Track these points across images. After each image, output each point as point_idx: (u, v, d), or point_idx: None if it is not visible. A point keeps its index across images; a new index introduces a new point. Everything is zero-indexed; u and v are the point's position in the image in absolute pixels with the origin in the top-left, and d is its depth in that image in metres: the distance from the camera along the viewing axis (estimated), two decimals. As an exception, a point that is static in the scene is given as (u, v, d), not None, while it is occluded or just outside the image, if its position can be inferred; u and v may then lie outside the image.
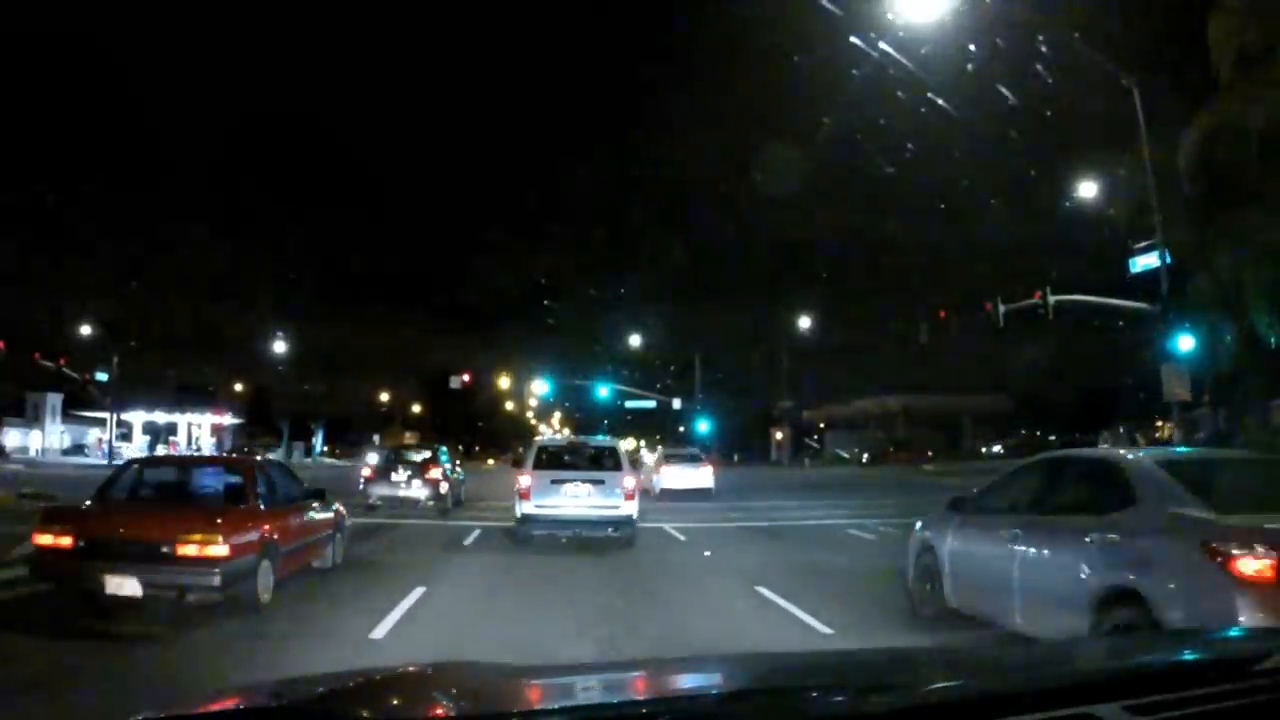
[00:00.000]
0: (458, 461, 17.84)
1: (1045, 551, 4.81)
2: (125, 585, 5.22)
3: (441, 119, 71.73)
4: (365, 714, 1.38)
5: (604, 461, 9.98)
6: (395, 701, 1.50)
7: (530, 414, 76.71)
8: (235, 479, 6.26)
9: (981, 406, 50.20)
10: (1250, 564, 3.66)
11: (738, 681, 1.79)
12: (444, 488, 13.81)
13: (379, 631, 5.40)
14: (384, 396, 56.81)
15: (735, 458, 50.16)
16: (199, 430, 51.27)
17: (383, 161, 76.12)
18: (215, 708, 1.44)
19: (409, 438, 44.95)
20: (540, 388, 47.41)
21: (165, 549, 5.21)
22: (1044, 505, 5.11)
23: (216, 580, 5.20)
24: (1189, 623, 3.87)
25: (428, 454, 14.92)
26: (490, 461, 47.56)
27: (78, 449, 51.22)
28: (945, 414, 51.45)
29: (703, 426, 44.10)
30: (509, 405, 69.78)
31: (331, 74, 63.19)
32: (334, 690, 1.51)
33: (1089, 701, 1.42)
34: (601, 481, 9.51)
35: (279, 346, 44.52)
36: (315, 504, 6.95)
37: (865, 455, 50.02)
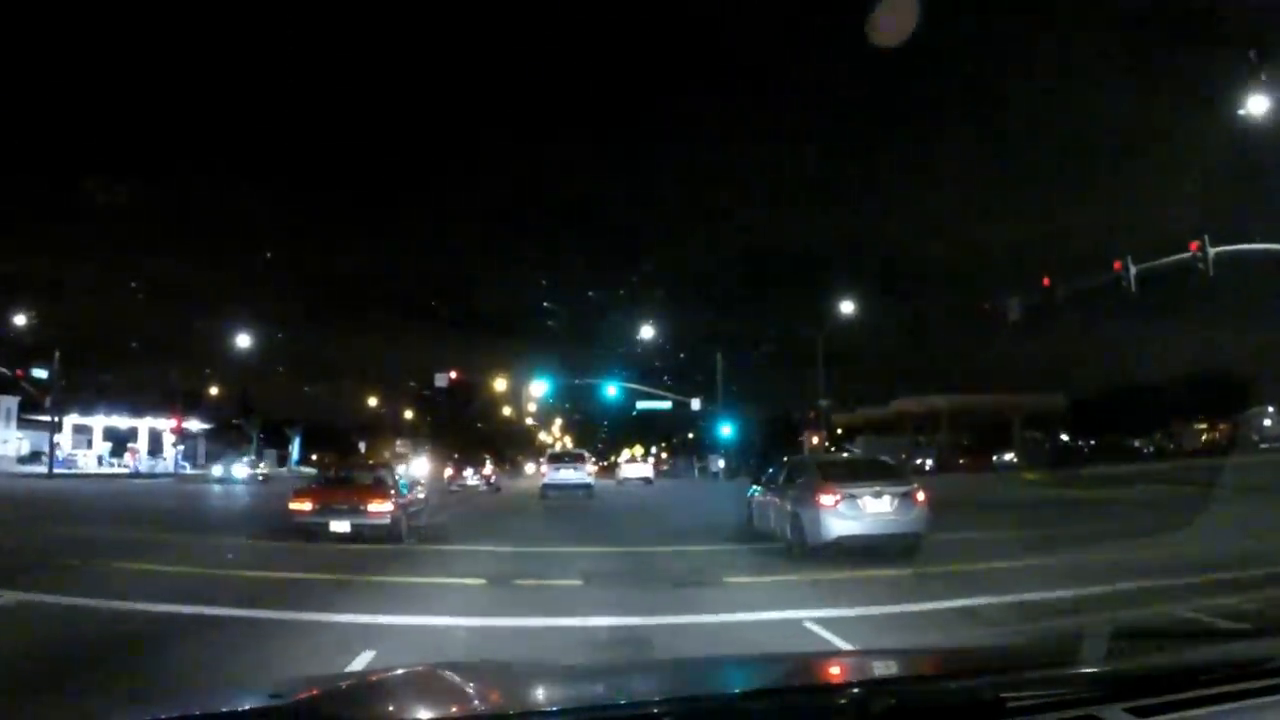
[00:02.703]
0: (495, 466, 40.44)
1: (781, 500, 14.25)
2: (342, 526, 14.52)
3: (426, 104, 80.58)
4: (365, 714, 1.83)
5: (579, 458, 35.98)
6: (395, 702, 1.99)
7: (529, 419, 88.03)
8: (382, 476, 16.05)
9: (1032, 406, 57.55)
10: (827, 498, 12.81)
11: (740, 683, 2.37)
12: (493, 479, 34.56)
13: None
14: (372, 401, 66.96)
15: (752, 463, 55.82)
16: (170, 436, 61.00)
17: (372, 154, 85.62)
18: (215, 708, 1.91)
19: (400, 446, 54.68)
20: (539, 389, 54.32)
21: (362, 507, 14.60)
22: (784, 480, 14.67)
23: (388, 523, 14.59)
24: (809, 525, 12.74)
25: (484, 458, 35.74)
26: None
27: (34, 457, 60.43)
28: (992, 414, 58.62)
29: (725, 430, 49.37)
30: (506, 410, 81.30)
31: (329, 67, 72.67)
32: (334, 691, 2.03)
33: (1091, 703, 1.89)
34: (577, 468, 34.30)
35: (252, 349, 51.65)
36: (417, 490, 16.88)
37: (929, 462, 54.13)
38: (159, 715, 1.86)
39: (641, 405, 50.63)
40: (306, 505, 14.93)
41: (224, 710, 1.91)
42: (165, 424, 60.35)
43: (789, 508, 13.73)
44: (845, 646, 6.90)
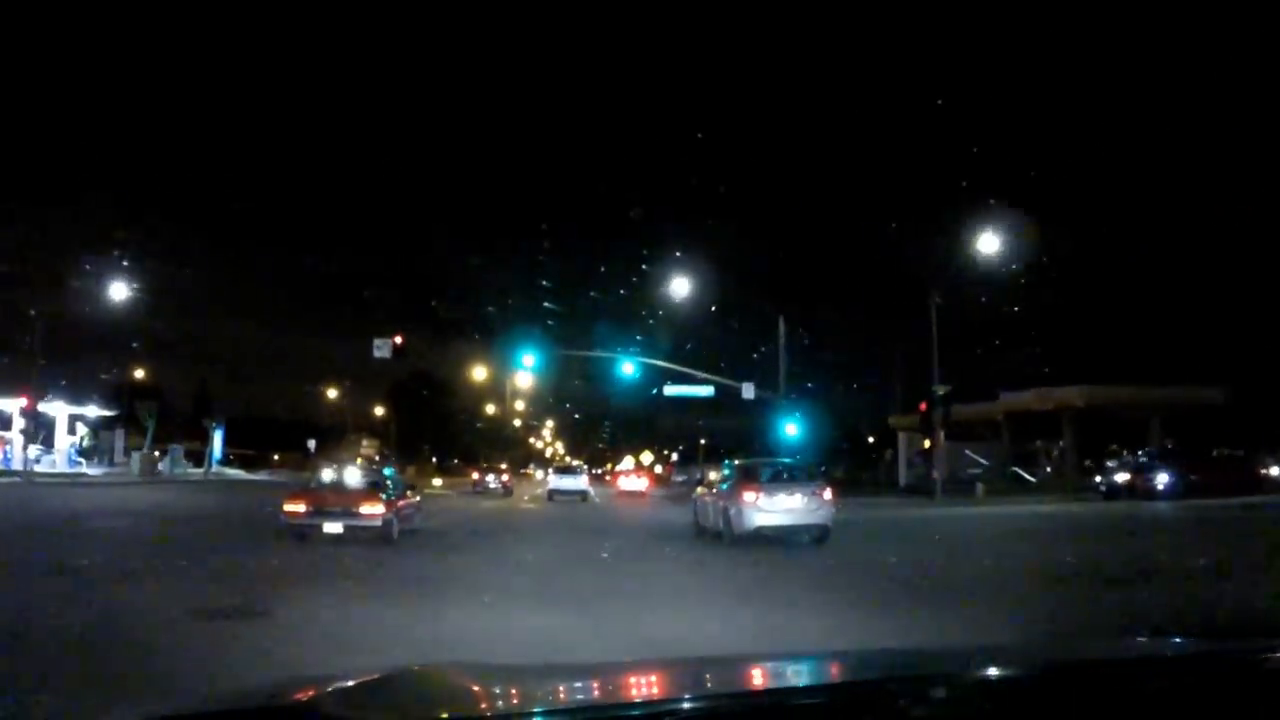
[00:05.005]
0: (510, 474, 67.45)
1: (716, 498, 23.00)
2: (334, 527, 18.89)
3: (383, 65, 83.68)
4: (362, 714, 2.27)
5: (577, 469, 61.37)
6: (393, 702, 2.46)
7: (518, 420, 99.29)
8: (376, 480, 20.77)
9: (1180, 400, 58.57)
10: (749, 496, 19.83)
11: (741, 683, 2.99)
12: (510, 485, 61.68)
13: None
14: (332, 394, 71.32)
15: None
16: (81, 428, 64.87)
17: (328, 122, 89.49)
18: (215, 708, 2.39)
19: (366, 446, 59.51)
20: (526, 379, 58.33)
21: (354, 509, 19.06)
22: (719, 482, 24.10)
23: (379, 525, 19.07)
24: (735, 518, 20.87)
25: (504, 467, 68.41)
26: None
27: None
28: (1122, 413, 60.04)
29: (791, 429, 44.53)
30: (490, 409, 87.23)
31: (295, 50, 76.77)
32: (331, 691, 2.47)
33: (1091, 702, 2.40)
34: (575, 476, 57.00)
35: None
36: (410, 493, 21.66)
37: (1161, 477, 38.72)
38: (158, 715, 2.31)
39: (671, 390, 49.91)
40: (300, 507, 19.36)
41: (222, 710, 2.38)
42: (62, 410, 63.78)
43: (721, 504, 20.81)
44: None
